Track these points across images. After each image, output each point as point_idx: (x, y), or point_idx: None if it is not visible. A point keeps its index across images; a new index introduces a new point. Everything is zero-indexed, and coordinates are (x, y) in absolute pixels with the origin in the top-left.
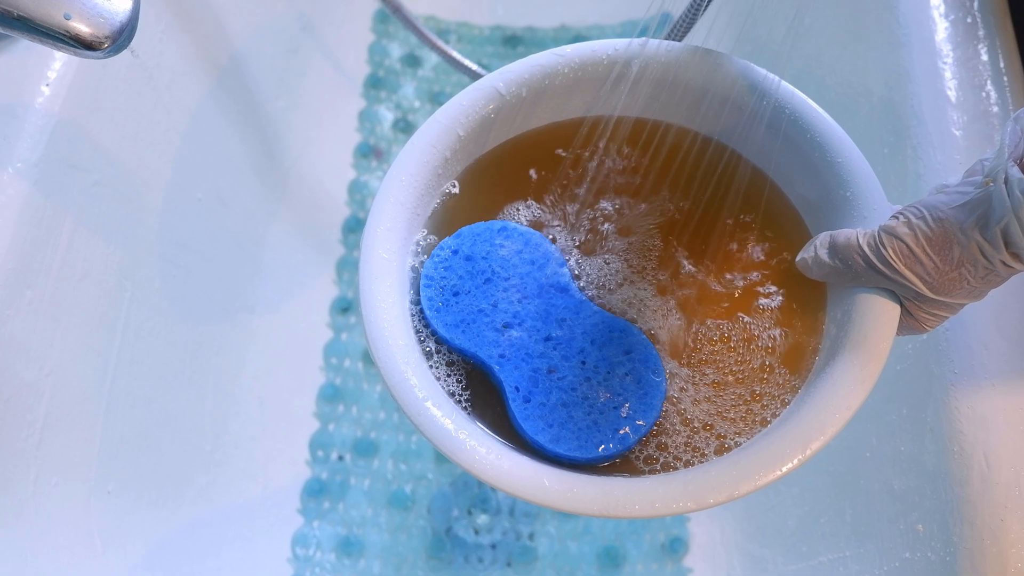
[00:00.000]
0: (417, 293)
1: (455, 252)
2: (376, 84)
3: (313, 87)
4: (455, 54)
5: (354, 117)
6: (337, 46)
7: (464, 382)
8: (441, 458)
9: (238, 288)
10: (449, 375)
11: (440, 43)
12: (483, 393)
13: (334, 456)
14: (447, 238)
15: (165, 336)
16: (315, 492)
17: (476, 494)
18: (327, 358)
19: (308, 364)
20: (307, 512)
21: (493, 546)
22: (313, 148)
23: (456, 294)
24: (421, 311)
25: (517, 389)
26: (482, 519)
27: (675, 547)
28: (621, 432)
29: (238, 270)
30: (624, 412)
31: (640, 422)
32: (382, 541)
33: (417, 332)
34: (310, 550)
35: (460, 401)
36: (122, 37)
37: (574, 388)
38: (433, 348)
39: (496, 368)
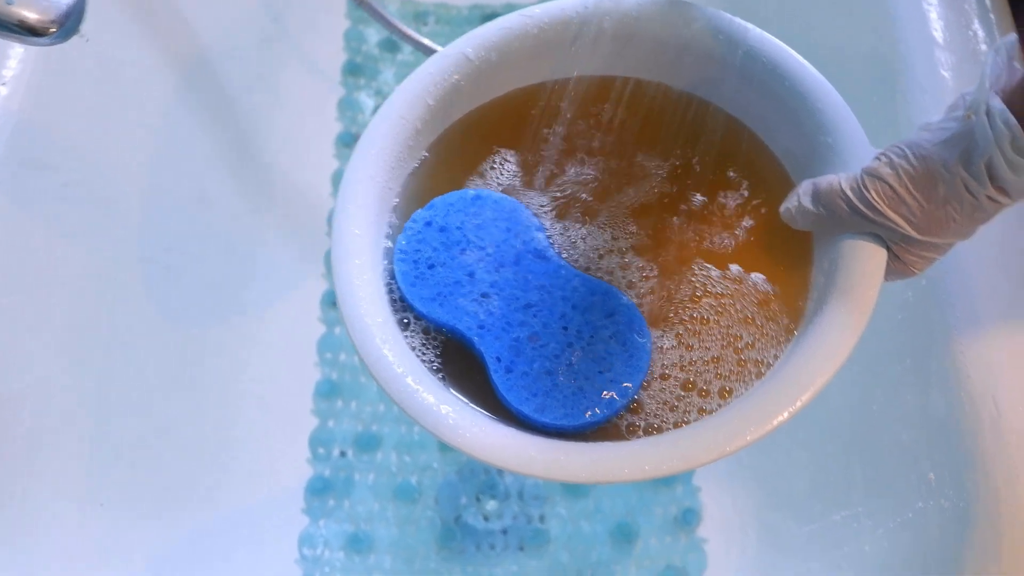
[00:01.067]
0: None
1: (428, 224)
2: (354, 71)
3: (289, 78)
4: (426, 41)
5: (334, 106)
6: (312, 34)
7: (441, 355)
8: (445, 447)
9: (227, 287)
10: (426, 348)
11: (410, 32)
12: (464, 366)
13: (336, 453)
14: (419, 210)
15: (155, 341)
16: (319, 490)
17: (483, 480)
18: (321, 353)
19: (303, 361)
20: (312, 511)
21: (504, 531)
22: (294, 140)
23: (431, 266)
24: (396, 285)
25: (499, 359)
26: (491, 505)
27: (688, 518)
28: (607, 396)
29: (225, 269)
30: (610, 376)
31: (626, 384)
32: (391, 535)
33: (394, 308)
34: (318, 550)
35: (440, 374)
36: (69, 21)
37: (557, 355)
38: (412, 319)
39: (476, 339)
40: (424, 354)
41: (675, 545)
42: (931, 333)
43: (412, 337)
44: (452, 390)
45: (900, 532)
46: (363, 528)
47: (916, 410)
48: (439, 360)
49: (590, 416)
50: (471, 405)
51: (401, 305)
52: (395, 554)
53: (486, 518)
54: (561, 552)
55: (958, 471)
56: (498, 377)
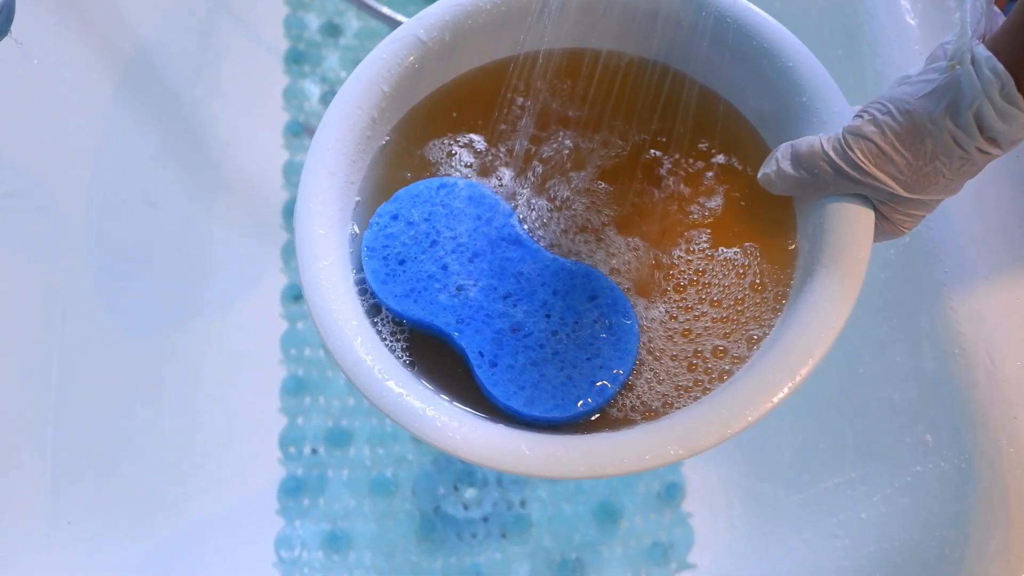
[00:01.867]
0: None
1: (395, 217)
2: (298, 58)
3: (231, 69)
4: (383, 9)
5: (279, 95)
6: (251, 23)
7: (416, 352)
8: None
9: (183, 290)
10: (403, 348)
11: (376, 5)
12: (445, 363)
13: (307, 450)
14: (384, 203)
15: (110, 351)
16: (292, 490)
17: (460, 468)
18: (285, 350)
19: (266, 359)
20: (287, 512)
21: (485, 519)
22: (241, 133)
23: (402, 262)
24: (367, 285)
25: (481, 354)
26: (470, 493)
27: (672, 493)
28: (598, 384)
29: (179, 271)
30: (599, 362)
31: (617, 370)
32: (369, 531)
33: (368, 311)
34: (295, 551)
35: (419, 373)
36: None
37: (542, 345)
38: (387, 321)
39: (456, 335)
40: (401, 355)
41: (660, 521)
42: (918, 290)
43: (391, 341)
44: (439, 392)
45: (898, 497)
46: (340, 526)
47: (907, 370)
48: (413, 358)
49: (582, 406)
50: (457, 404)
51: (375, 306)
52: (375, 550)
53: (466, 507)
54: (544, 536)
55: (956, 430)
56: (482, 372)
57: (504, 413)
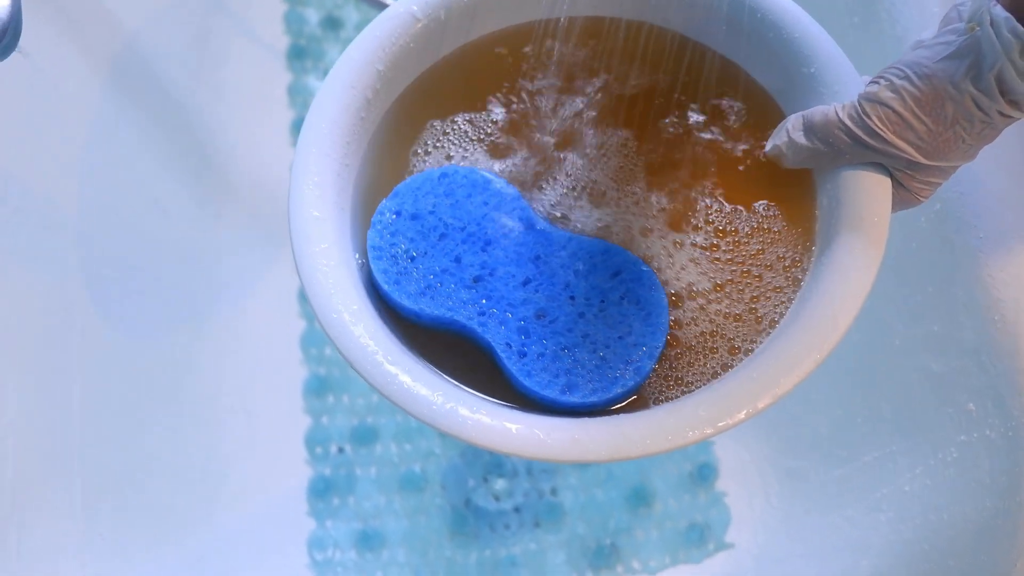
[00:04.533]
0: (363, 254)
1: (398, 214)
2: (299, 54)
3: (233, 70)
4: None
5: (284, 93)
6: (250, 22)
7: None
8: None
9: (197, 297)
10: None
11: None
12: (457, 352)
13: (334, 450)
14: (384, 200)
15: (128, 364)
16: (321, 491)
17: (489, 460)
18: (306, 350)
19: (287, 360)
20: (317, 513)
21: (517, 509)
22: (246, 133)
23: (412, 259)
24: (377, 288)
25: (509, 345)
26: (500, 484)
27: (704, 474)
28: (634, 361)
29: (190, 278)
30: (631, 340)
31: (651, 345)
32: (401, 528)
33: (372, 297)
34: (328, 552)
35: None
36: (6, 38)
37: (570, 328)
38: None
39: (479, 328)
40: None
41: (695, 503)
42: (953, 257)
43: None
44: (452, 380)
45: (943, 468)
46: (372, 524)
47: (945, 340)
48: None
49: (621, 386)
50: (471, 391)
51: (381, 300)
52: (408, 546)
53: (496, 498)
54: (578, 523)
55: (1000, 398)
56: (512, 364)
57: (538, 403)
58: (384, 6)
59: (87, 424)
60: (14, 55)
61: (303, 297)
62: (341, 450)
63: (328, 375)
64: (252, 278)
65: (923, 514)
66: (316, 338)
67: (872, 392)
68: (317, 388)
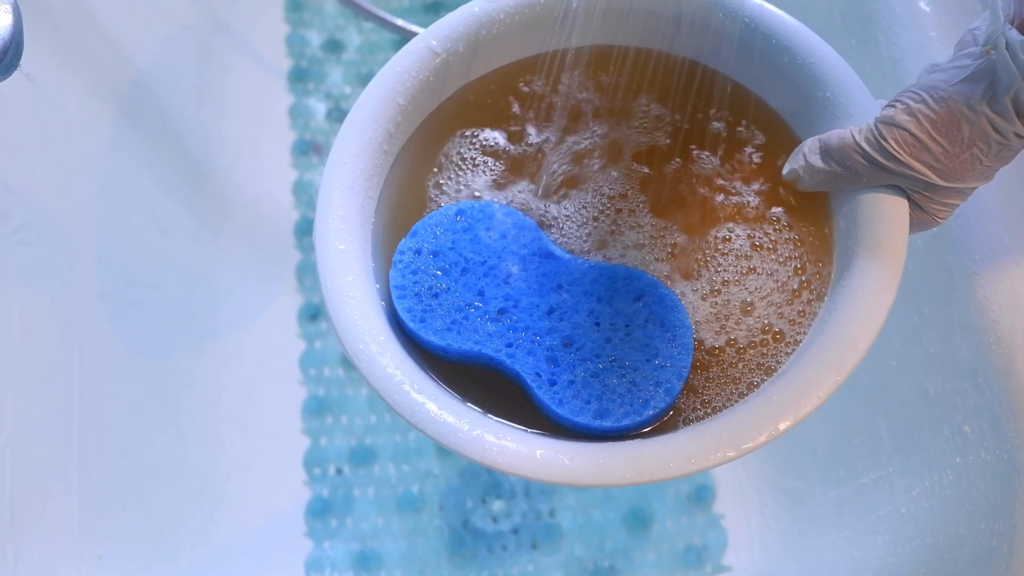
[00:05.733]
0: (386, 292)
1: (418, 252)
2: (301, 76)
3: (235, 90)
4: (394, 18)
5: (284, 114)
6: (252, 44)
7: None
8: (444, 451)
9: (198, 315)
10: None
11: (370, 7)
12: (479, 382)
13: (332, 471)
14: (404, 239)
15: (128, 380)
16: (319, 512)
17: (487, 481)
18: (305, 370)
19: (286, 380)
20: (315, 534)
21: (515, 531)
22: (248, 154)
23: (435, 296)
24: (404, 327)
25: (539, 375)
26: (498, 505)
27: (702, 495)
28: (664, 382)
29: (192, 296)
30: (659, 362)
31: (679, 365)
32: (399, 549)
33: (395, 328)
34: (326, 573)
35: (450, 390)
36: (8, 57)
37: (598, 355)
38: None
39: (508, 360)
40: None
41: (692, 524)
42: (949, 278)
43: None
44: (478, 408)
45: (939, 490)
46: (370, 545)
47: (941, 360)
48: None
49: (652, 408)
50: (494, 418)
51: (404, 334)
52: (406, 567)
53: (494, 519)
54: (575, 545)
55: (996, 420)
56: (543, 393)
57: (571, 430)
58: (396, 26)
59: (85, 442)
60: (18, 76)
61: (303, 317)
62: (339, 471)
63: (327, 395)
64: (252, 298)
65: (919, 537)
66: (315, 358)
67: (869, 412)
68: (316, 408)
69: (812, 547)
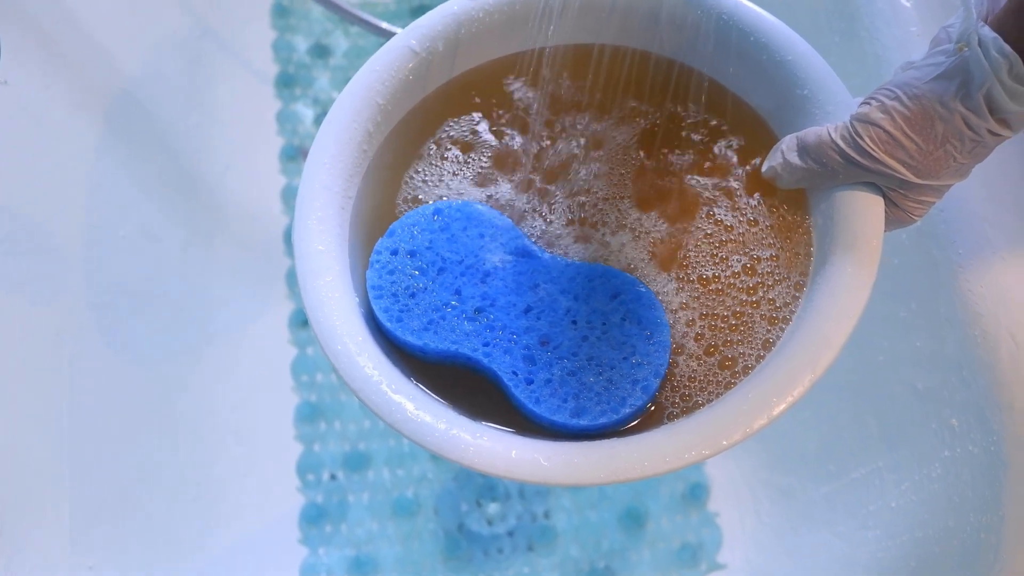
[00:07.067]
0: (363, 292)
1: (395, 252)
2: (288, 82)
3: (223, 97)
4: (380, 22)
5: (272, 120)
6: (239, 50)
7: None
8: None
9: (189, 322)
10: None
11: (357, 11)
12: (458, 381)
13: (326, 476)
14: (381, 239)
15: (119, 389)
16: (314, 518)
17: (482, 484)
18: (297, 376)
19: (278, 386)
20: (310, 540)
21: (510, 533)
22: (236, 160)
23: (412, 295)
24: (380, 326)
25: (515, 374)
26: (493, 508)
27: (696, 494)
28: (641, 380)
29: (183, 303)
30: (636, 359)
31: (656, 363)
32: (395, 553)
33: (373, 329)
34: None
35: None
36: None
37: (575, 353)
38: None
39: (484, 359)
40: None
41: (687, 523)
42: (935, 274)
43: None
44: (454, 408)
45: (928, 484)
46: (365, 550)
47: (929, 355)
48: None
49: (630, 406)
50: (470, 418)
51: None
52: (401, 572)
53: (490, 522)
54: (571, 546)
55: (982, 413)
56: (520, 392)
57: (549, 429)
58: (380, 29)
59: (76, 452)
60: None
61: (294, 323)
62: (333, 476)
63: (320, 401)
64: (244, 304)
65: (909, 530)
66: (307, 365)
67: (859, 408)
68: (309, 414)
69: (805, 543)
